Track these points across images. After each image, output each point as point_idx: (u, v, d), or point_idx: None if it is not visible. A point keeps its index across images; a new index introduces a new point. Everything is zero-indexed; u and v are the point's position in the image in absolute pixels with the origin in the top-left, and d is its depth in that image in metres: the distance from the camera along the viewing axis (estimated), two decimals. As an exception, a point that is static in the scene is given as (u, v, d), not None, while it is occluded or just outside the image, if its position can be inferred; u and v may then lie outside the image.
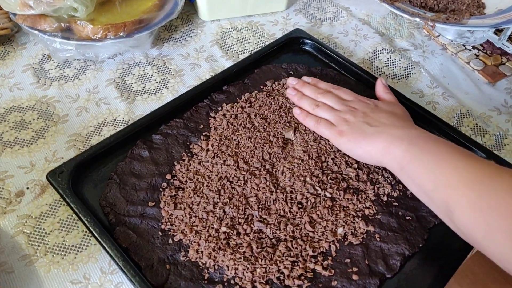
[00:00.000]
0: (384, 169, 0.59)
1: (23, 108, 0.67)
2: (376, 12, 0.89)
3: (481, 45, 0.82)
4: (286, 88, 0.67)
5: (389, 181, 0.58)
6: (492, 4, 0.77)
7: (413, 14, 0.70)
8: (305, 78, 0.67)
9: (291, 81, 0.67)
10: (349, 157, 0.59)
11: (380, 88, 0.64)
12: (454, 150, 0.49)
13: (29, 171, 0.59)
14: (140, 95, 0.70)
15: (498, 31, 0.82)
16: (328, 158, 0.59)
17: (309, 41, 0.76)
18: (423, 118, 0.66)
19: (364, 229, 0.54)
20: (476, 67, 0.78)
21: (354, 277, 0.50)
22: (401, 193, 0.57)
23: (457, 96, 0.73)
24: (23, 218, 0.54)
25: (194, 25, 0.83)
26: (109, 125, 0.65)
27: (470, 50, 0.81)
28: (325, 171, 0.58)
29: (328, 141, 0.61)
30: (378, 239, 0.53)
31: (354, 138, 0.55)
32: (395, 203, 0.56)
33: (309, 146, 0.60)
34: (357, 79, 0.71)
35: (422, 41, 0.84)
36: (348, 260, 0.51)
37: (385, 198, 0.57)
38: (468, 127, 0.69)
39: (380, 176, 0.58)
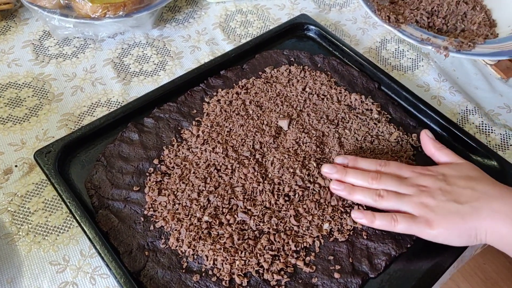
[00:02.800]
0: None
1: (19, 84, 0.66)
2: (388, -1, 0.85)
3: (497, 38, 0.78)
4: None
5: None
6: (504, 22, 0.68)
7: (423, 40, 0.62)
8: (338, 159, 0.55)
9: (327, 170, 0.53)
10: (342, 150, 0.57)
11: (429, 145, 0.54)
12: None
13: (19, 149, 0.59)
14: (137, 76, 0.69)
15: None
16: (322, 150, 0.57)
17: (313, 27, 0.74)
18: (425, 114, 0.63)
19: (351, 225, 0.52)
20: (489, 61, 0.74)
21: (336, 275, 0.48)
22: (394, 191, 0.55)
23: (466, 91, 0.70)
24: (9, 196, 0.54)
25: (198, 6, 0.81)
26: (103, 106, 0.65)
27: (484, 43, 0.77)
28: (317, 164, 0.56)
29: (324, 132, 0.59)
30: (365, 237, 0.51)
31: (452, 225, 0.46)
32: (387, 201, 0.54)
33: (302, 137, 0.58)
34: (360, 70, 0.69)
35: (435, 31, 0.80)
36: (332, 257, 0.50)
37: (376, 195, 0.55)
38: (474, 125, 0.66)
39: None
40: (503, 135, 0.64)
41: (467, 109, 0.67)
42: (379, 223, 0.48)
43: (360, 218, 0.50)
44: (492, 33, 0.63)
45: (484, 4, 0.67)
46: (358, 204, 0.52)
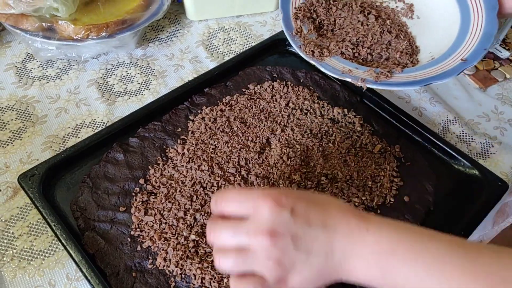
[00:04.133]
0: (367, 179, 0.58)
1: (2, 108, 0.66)
2: (368, 13, 0.87)
3: (474, 49, 0.80)
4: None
5: (368, 191, 0.57)
6: (426, 49, 0.63)
7: (344, 73, 0.56)
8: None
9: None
10: (327, 164, 0.58)
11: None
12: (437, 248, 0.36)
13: (3, 173, 0.58)
14: (121, 96, 0.69)
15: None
16: (306, 163, 0.58)
17: (295, 43, 0.75)
18: (407, 125, 0.64)
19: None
20: (467, 72, 0.76)
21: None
22: (379, 203, 0.56)
23: (446, 102, 0.72)
24: (-8, 221, 0.54)
25: (181, 25, 0.82)
26: (88, 127, 0.65)
27: (462, 54, 0.79)
28: (302, 178, 0.56)
29: (308, 146, 0.60)
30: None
31: (306, 282, 0.38)
32: (372, 213, 0.55)
33: (287, 152, 0.59)
34: (342, 83, 0.70)
35: (414, 44, 0.81)
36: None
37: (362, 207, 0.55)
38: (454, 134, 0.67)
39: (360, 185, 0.57)
40: (484, 143, 0.66)
41: (447, 119, 0.68)
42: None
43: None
44: (413, 61, 0.61)
45: (409, 31, 0.66)
46: None
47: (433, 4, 0.65)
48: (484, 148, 0.65)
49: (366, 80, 0.54)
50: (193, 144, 0.60)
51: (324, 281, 0.38)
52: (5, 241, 0.52)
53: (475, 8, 0.60)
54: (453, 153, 0.61)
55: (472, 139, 0.66)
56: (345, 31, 0.62)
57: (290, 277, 0.37)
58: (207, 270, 0.48)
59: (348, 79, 0.52)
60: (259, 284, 0.37)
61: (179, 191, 0.55)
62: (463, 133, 0.67)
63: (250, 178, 0.56)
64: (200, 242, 0.51)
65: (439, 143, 0.62)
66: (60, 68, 0.73)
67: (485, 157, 0.64)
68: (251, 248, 0.37)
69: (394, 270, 0.36)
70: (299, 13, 0.62)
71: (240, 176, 0.56)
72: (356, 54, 0.59)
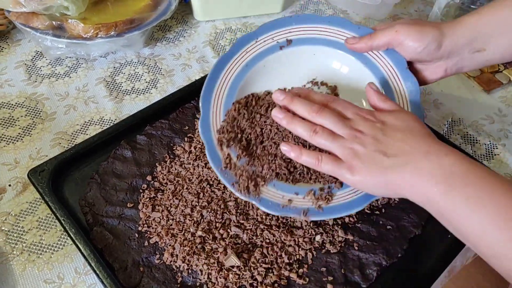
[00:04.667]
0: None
1: (12, 104, 0.67)
2: (373, 15, 0.88)
3: (479, 51, 0.81)
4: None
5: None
6: None
7: (284, 207, 0.51)
8: (295, 89, 0.53)
9: (278, 95, 0.51)
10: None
11: (374, 97, 0.51)
12: (507, 193, 0.39)
13: (13, 168, 0.59)
14: (129, 94, 0.70)
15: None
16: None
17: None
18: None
19: (342, 237, 0.53)
20: (471, 74, 0.77)
21: (329, 286, 0.49)
22: (383, 202, 0.57)
23: (450, 104, 0.72)
24: (3, 215, 0.54)
25: (188, 25, 0.83)
26: (96, 124, 0.66)
27: (466, 56, 0.80)
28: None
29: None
30: (356, 247, 0.52)
31: (370, 175, 0.44)
32: (377, 212, 0.56)
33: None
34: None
35: (419, 46, 0.82)
36: (324, 269, 0.51)
37: (367, 207, 0.56)
38: (459, 135, 0.67)
39: None
40: (488, 145, 0.66)
41: (452, 121, 0.69)
42: (305, 159, 0.48)
43: (288, 151, 0.49)
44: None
45: None
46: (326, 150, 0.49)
47: (355, 85, 0.60)
48: (488, 149, 0.66)
49: (308, 212, 0.49)
50: (200, 142, 0.61)
51: (386, 187, 0.44)
52: (15, 235, 0.53)
53: (400, 94, 0.57)
54: (457, 154, 0.61)
55: (476, 140, 0.67)
56: (274, 142, 0.53)
57: (358, 167, 0.45)
58: (214, 266, 0.49)
59: (290, 215, 0.49)
60: (334, 160, 0.46)
61: (186, 188, 0.56)
62: (467, 135, 0.67)
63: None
64: (206, 238, 0.51)
65: (444, 144, 0.62)
66: (69, 66, 0.74)
67: (489, 159, 0.65)
68: (343, 135, 0.46)
69: (457, 191, 0.40)
70: (223, 137, 0.53)
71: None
72: (292, 169, 0.53)
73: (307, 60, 0.61)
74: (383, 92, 0.56)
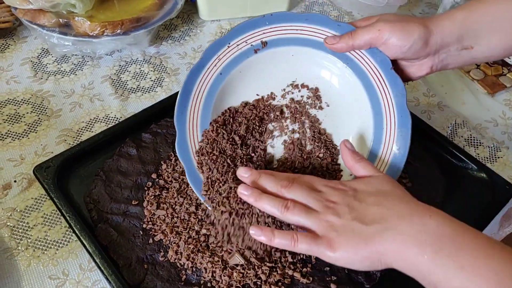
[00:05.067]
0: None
1: (18, 101, 0.67)
2: (378, 17, 0.88)
3: (483, 54, 0.81)
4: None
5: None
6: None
7: None
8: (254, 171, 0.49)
9: (243, 173, 0.48)
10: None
11: (348, 156, 0.49)
12: (506, 258, 0.36)
13: (18, 164, 0.60)
14: (134, 92, 0.70)
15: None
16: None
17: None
18: (416, 127, 0.65)
19: (346, 237, 0.53)
20: (476, 77, 0.77)
21: (332, 286, 0.49)
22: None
23: (454, 106, 0.72)
24: (8, 211, 0.55)
25: (194, 24, 0.83)
26: (101, 122, 0.66)
27: (471, 59, 0.80)
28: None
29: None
30: (360, 248, 0.52)
31: (351, 248, 0.41)
32: (380, 213, 0.56)
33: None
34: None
35: (423, 48, 0.82)
36: (328, 268, 0.51)
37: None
38: (462, 138, 0.68)
39: None
40: (491, 148, 0.66)
41: (455, 123, 0.69)
42: (279, 241, 0.44)
43: (258, 235, 0.45)
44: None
45: (327, 133, 0.58)
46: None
47: (336, 87, 0.58)
48: (492, 152, 0.66)
49: None
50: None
51: (370, 259, 0.41)
52: (20, 230, 0.53)
53: (384, 98, 0.54)
54: (462, 156, 0.61)
55: (480, 143, 0.67)
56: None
57: (337, 241, 0.41)
58: (218, 264, 0.49)
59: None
60: (311, 238, 0.43)
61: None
62: (471, 137, 0.68)
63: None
64: (211, 236, 0.51)
65: (448, 146, 0.63)
66: (75, 64, 0.74)
67: (493, 161, 0.65)
68: (316, 209, 0.44)
69: (449, 258, 0.37)
70: (203, 158, 0.53)
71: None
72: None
73: (285, 62, 0.58)
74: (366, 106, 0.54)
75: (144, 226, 0.53)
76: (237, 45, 0.56)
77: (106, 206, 0.54)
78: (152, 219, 0.53)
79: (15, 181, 0.58)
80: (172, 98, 0.66)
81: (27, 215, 0.55)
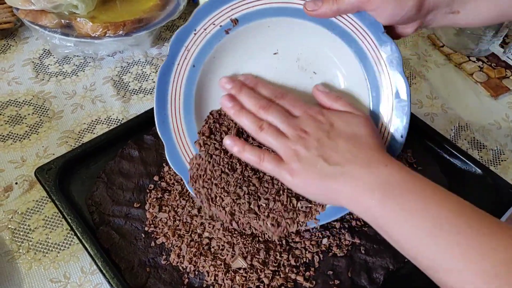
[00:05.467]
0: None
1: (19, 102, 0.67)
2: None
3: (486, 57, 0.81)
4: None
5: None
6: None
7: None
8: (241, 76, 0.50)
9: (225, 83, 0.49)
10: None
11: (323, 98, 0.49)
12: (445, 204, 0.38)
13: (20, 166, 0.59)
14: (136, 94, 0.70)
15: (504, 44, 0.80)
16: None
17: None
18: (419, 130, 0.65)
19: (349, 240, 0.53)
20: (479, 80, 0.77)
21: (335, 289, 0.49)
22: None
23: (457, 108, 0.72)
24: (9, 213, 0.54)
25: (196, 25, 0.83)
26: (103, 123, 0.66)
27: (474, 61, 0.80)
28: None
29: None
30: (363, 251, 0.52)
31: (310, 179, 0.43)
32: (384, 216, 0.55)
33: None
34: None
35: (426, 50, 0.82)
36: (331, 272, 0.50)
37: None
38: (466, 141, 0.67)
39: None
40: (495, 150, 0.66)
41: (459, 126, 0.69)
42: (248, 156, 0.47)
43: (231, 145, 0.48)
44: None
45: None
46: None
47: (323, 55, 0.52)
48: (495, 155, 0.66)
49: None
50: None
51: (325, 194, 0.44)
52: (21, 233, 0.53)
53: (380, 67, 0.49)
54: (465, 159, 0.61)
55: (483, 146, 0.67)
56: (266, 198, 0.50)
57: (297, 170, 0.43)
58: (220, 267, 0.49)
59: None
60: (277, 160, 0.45)
61: (193, 189, 0.56)
62: (474, 140, 0.67)
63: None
64: (213, 239, 0.51)
65: (451, 149, 0.62)
66: (76, 65, 0.74)
67: (496, 164, 0.65)
68: (287, 135, 0.45)
69: (392, 200, 0.39)
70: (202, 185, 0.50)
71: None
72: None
73: (262, 37, 0.51)
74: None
75: (146, 229, 0.53)
76: (204, 29, 0.50)
77: (108, 209, 0.54)
78: (154, 222, 0.53)
79: (16, 183, 0.57)
80: (174, 100, 0.65)
81: (28, 217, 0.54)
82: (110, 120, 0.66)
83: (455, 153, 0.62)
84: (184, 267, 0.50)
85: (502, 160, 0.65)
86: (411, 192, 0.39)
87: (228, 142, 0.48)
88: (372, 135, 0.45)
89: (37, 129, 0.64)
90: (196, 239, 0.51)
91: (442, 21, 0.50)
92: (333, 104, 0.48)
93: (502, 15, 0.50)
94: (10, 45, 0.76)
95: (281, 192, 0.49)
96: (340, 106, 0.48)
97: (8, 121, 0.64)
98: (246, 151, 0.47)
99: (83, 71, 0.73)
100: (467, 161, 0.61)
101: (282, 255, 0.51)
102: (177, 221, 0.53)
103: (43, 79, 0.71)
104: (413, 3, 0.46)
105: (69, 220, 0.51)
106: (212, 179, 0.50)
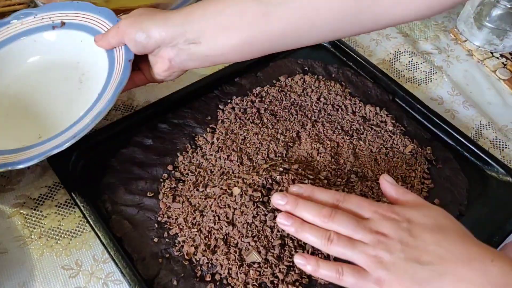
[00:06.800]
0: (398, 180, 0.57)
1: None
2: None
3: (510, 53, 0.78)
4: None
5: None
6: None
7: None
8: (292, 188, 0.47)
9: (278, 200, 0.45)
10: (357, 161, 0.57)
11: (391, 191, 0.46)
12: None
13: (32, 151, 0.59)
14: (151, 81, 0.69)
15: (529, 40, 0.78)
16: (336, 160, 0.57)
17: (328, 38, 0.74)
18: (439, 127, 0.63)
19: (366, 237, 0.51)
20: (502, 77, 0.74)
21: (351, 287, 0.48)
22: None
23: (479, 106, 0.70)
24: (21, 198, 0.54)
25: (212, 13, 0.81)
26: (117, 110, 0.65)
27: (497, 58, 0.77)
28: (331, 175, 0.56)
29: (338, 143, 0.59)
30: (380, 250, 0.51)
31: (402, 287, 0.38)
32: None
33: (317, 147, 0.58)
34: (374, 81, 0.69)
35: (448, 45, 0.80)
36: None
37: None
38: (487, 139, 0.65)
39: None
40: (517, 151, 0.64)
41: (480, 124, 0.67)
42: (324, 273, 0.41)
43: (303, 264, 0.42)
44: None
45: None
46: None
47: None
48: (518, 155, 0.64)
49: None
50: (222, 133, 0.59)
51: None
52: (33, 219, 0.52)
53: (119, 59, 0.57)
54: (487, 159, 0.59)
55: (505, 145, 0.65)
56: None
57: (388, 280, 0.38)
58: (235, 261, 0.48)
59: None
60: (358, 272, 0.40)
61: (207, 179, 0.55)
62: (496, 139, 0.65)
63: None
64: (228, 232, 0.50)
65: (473, 148, 0.60)
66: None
67: (519, 165, 0.63)
68: (363, 241, 0.40)
69: None
70: None
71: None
72: None
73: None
74: None
75: (159, 219, 0.52)
76: None
77: (120, 197, 0.53)
78: (167, 212, 0.52)
79: (28, 168, 0.57)
80: (189, 88, 0.64)
81: (40, 203, 0.54)
82: (124, 107, 0.65)
83: (477, 151, 0.60)
84: (197, 259, 0.49)
85: (524, 161, 0.63)
86: None
87: (300, 261, 0.43)
88: (457, 224, 0.41)
89: (51, 114, 0.63)
90: (210, 231, 0.50)
91: (192, 55, 0.51)
92: (401, 197, 0.45)
93: (246, 42, 0.49)
94: (24, 27, 0.74)
95: None
96: (411, 200, 0.44)
97: (21, 105, 0.63)
98: (321, 268, 0.42)
99: (98, 56, 0.72)
100: (489, 161, 0.59)
101: (297, 250, 0.49)
102: (191, 212, 0.52)
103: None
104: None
105: (82, 208, 0.50)
106: None
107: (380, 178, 0.47)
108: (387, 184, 0.46)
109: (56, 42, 0.63)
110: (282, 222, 0.44)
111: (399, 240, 0.39)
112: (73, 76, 0.63)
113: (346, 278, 0.40)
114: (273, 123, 0.61)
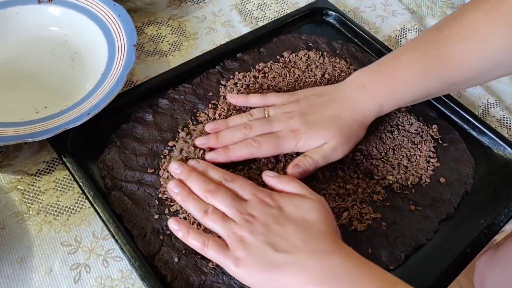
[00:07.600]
0: (403, 158, 0.56)
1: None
2: None
3: (519, 30, 0.76)
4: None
5: (404, 169, 0.55)
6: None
7: None
8: (192, 162, 0.50)
9: (174, 168, 0.49)
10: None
11: (271, 181, 0.48)
12: None
13: (30, 126, 0.57)
14: (151, 56, 0.67)
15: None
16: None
17: (332, 13, 0.72)
18: (446, 105, 0.62)
19: (370, 215, 0.51)
20: (510, 54, 0.73)
21: (355, 265, 0.47)
22: (414, 182, 0.54)
23: (487, 84, 0.68)
24: (18, 174, 0.53)
25: (214, -13, 0.79)
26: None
27: (506, 35, 0.75)
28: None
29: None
30: (384, 227, 0.50)
31: (255, 270, 0.40)
32: (406, 192, 0.53)
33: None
34: (379, 58, 0.67)
35: (455, 21, 0.78)
36: (351, 248, 0.48)
37: (397, 186, 0.53)
38: (494, 118, 0.64)
39: (395, 163, 0.55)
40: (525, 130, 0.63)
41: (488, 102, 0.66)
42: (191, 241, 0.44)
43: (176, 229, 0.45)
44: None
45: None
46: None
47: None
48: (525, 134, 0.63)
49: None
50: (224, 109, 0.58)
51: (270, 285, 0.41)
52: (31, 194, 0.51)
53: (119, 42, 0.60)
54: (494, 137, 0.58)
55: (512, 124, 0.64)
56: None
57: (243, 259, 0.41)
58: (236, 238, 0.47)
59: None
60: (221, 247, 0.43)
61: (209, 156, 0.53)
62: (503, 117, 0.64)
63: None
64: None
65: (479, 126, 0.59)
66: None
67: (526, 144, 0.62)
68: (234, 219, 0.44)
69: None
70: None
71: (272, 146, 0.54)
72: None
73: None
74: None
75: (160, 196, 0.51)
76: None
77: (120, 173, 0.52)
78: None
79: (25, 143, 0.55)
80: (191, 63, 0.63)
81: (38, 179, 0.53)
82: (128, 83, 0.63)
83: (484, 129, 0.59)
84: (199, 236, 0.48)
85: (532, 140, 0.62)
86: (360, 280, 0.39)
87: (174, 226, 0.46)
88: (324, 221, 0.43)
89: (48, 88, 0.61)
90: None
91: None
92: (285, 187, 0.47)
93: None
94: None
95: None
96: (293, 189, 0.46)
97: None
98: (190, 236, 0.44)
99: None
100: (496, 139, 0.58)
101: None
102: (192, 189, 0.51)
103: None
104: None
105: (81, 184, 0.49)
106: None
107: (262, 175, 0.49)
108: (268, 178, 0.48)
109: (42, 17, 0.63)
110: (171, 188, 0.48)
111: (264, 224, 0.42)
112: (62, 53, 0.63)
113: (209, 250, 0.43)
114: (276, 100, 0.59)
